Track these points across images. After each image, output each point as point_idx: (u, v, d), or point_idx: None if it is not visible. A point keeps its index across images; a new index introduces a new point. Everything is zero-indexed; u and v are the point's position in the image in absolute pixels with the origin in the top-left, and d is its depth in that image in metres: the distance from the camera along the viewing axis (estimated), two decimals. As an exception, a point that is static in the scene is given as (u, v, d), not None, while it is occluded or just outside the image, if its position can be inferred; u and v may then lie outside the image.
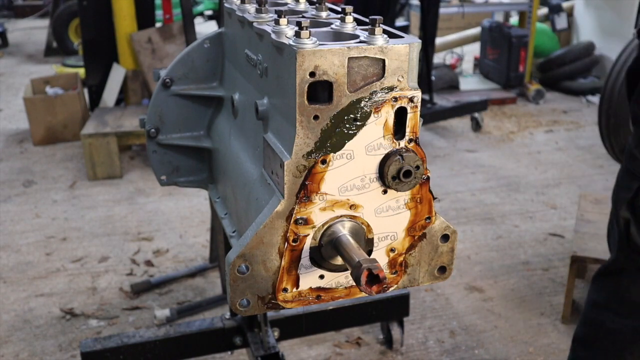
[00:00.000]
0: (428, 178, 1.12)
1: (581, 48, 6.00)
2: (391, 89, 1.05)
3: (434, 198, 1.15)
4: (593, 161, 4.40)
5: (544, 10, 6.46)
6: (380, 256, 1.16)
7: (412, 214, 1.15)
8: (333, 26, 1.15)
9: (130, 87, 4.74)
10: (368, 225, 1.13)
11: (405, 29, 6.67)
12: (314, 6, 1.36)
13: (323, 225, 1.11)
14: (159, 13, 5.48)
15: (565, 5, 6.41)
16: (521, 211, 3.61)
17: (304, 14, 1.33)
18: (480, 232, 3.36)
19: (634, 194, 1.59)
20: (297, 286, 1.14)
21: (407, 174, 1.08)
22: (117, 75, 4.73)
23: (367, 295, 1.01)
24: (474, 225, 3.44)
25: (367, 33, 1.06)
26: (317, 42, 1.01)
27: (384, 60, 1.03)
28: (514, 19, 6.64)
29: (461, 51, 6.75)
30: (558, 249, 3.19)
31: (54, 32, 7.62)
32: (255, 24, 1.22)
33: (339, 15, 1.18)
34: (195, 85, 1.62)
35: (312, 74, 1.00)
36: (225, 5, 1.49)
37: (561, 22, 6.12)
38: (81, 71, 5.45)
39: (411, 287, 1.27)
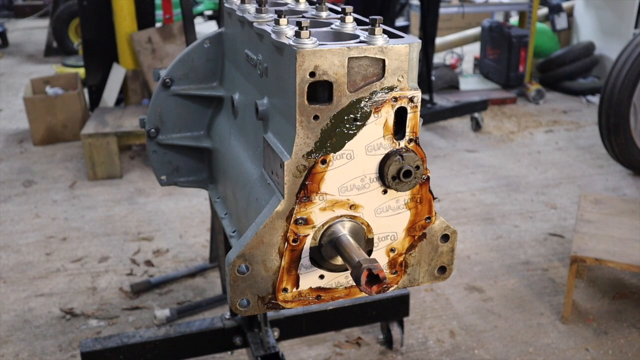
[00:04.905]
0: (428, 178, 1.12)
1: (581, 48, 5.99)
2: (391, 89, 1.05)
3: (434, 198, 1.15)
4: (593, 161, 4.40)
5: (544, 10, 6.46)
6: (380, 256, 1.16)
7: (412, 214, 1.15)
8: (333, 26, 1.15)
9: (130, 87, 4.74)
10: (368, 225, 1.13)
11: (405, 29, 6.67)
12: (314, 6, 1.36)
13: (323, 225, 1.11)
14: (159, 13, 5.49)
15: (565, 5, 6.41)
16: (521, 211, 3.61)
17: (304, 14, 1.33)
18: (480, 232, 3.36)
19: None
20: (297, 286, 1.14)
21: (407, 174, 1.08)
22: (117, 75, 4.73)
23: (367, 295, 1.01)
24: (474, 225, 3.44)
25: (367, 33, 1.06)
26: (317, 42, 1.01)
27: (384, 60, 1.03)
28: (514, 19, 6.64)
29: (461, 51, 6.75)
30: (558, 249, 3.19)
31: (54, 32, 7.62)
32: (255, 24, 1.22)
33: (339, 15, 1.18)
34: (195, 85, 1.62)
35: (312, 74, 1.00)
36: (225, 5, 1.49)
37: (561, 22, 6.12)
38: (81, 71, 5.45)
39: (411, 287, 1.27)
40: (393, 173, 1.08)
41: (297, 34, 1.01)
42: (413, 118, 1.08)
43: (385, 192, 1.11)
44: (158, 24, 4.90)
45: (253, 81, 1.30)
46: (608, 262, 2.48)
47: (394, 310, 2.41)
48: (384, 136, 1.07)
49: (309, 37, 1.00)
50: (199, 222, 3.48)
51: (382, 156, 1.08)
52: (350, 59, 1.02)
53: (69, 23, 7.51)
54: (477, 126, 5.02)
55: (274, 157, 1.11)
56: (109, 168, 4.09)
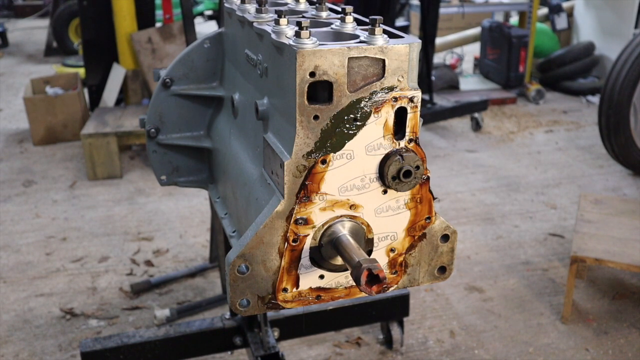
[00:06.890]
0: (428, 178, 1.12)
1: (581, 48, 5.99)
2: (391, 89, 1.05)
3: (434, 198, 1.15)
4: (593, 161, 4.40)
5: (544, 10, 6.46)
6: (380, 256, 1.16)
7: (412, 214, 1.15)
8: (333, 26, 1.15)
9: (130, 87, 4.74)
10: (368, 225, 1.13)
11: (405, 29, 6.67)
12: (314, 6, 1.36)
13: (323, 225, 1.11)
14: (159, 13, 5.49)
15: (565, 5, 6.41)
16: (521, 211, 3.61)
17: (304, 14, 1.33)
18: (480, 232, 3.35)
19: None
20: (297, 286, 1.14)
21: (407, 174, 1.08)
22: (117, 75, 4.73)
23: (367, 295, 1.01)
24: (474, 225, 3.44)
25: (367, 33, 1.06)
26: (317, 42, 1.01)
27: (384, 60, 1.03)
28: (514, 19, 6.64)
29: (461, 51, 6.75)
30: (558, 249, 3.19)
31: (54, 32, 7.62)
32: (255, 24, 1.22)
33: (339, 15, 1.18)
34: (195, 85, 1.62)
35: (312, 74, 1.00)
36: (225, 5, 1.49)
37: (561, 22, 6.12)
38: (81, 71, 5.45)
39: (411, 287, 1.27)
40: (393, 173, 1.08)
41: (297, 34, 1.01)
42: (413, 118, 1.08)
43: (385, 192, 1.11)
44: (158, 24, 4.90)
45: (253, 81, 1.30)
46: (608, 262, 2.48)
47: (394, 310, 2.41)
48: (384, 136, 1.07)
49: (309, 37, 1.00)
50: (199, 222, 3.48)
51: (382, 156, 1.08)
52: (350, 59, 1.02)
53: (69, 23, 7.51)
54: (477, 126, 5.02)
55: (274, 157, 1.11)
56: (109, 168, 4.09)
